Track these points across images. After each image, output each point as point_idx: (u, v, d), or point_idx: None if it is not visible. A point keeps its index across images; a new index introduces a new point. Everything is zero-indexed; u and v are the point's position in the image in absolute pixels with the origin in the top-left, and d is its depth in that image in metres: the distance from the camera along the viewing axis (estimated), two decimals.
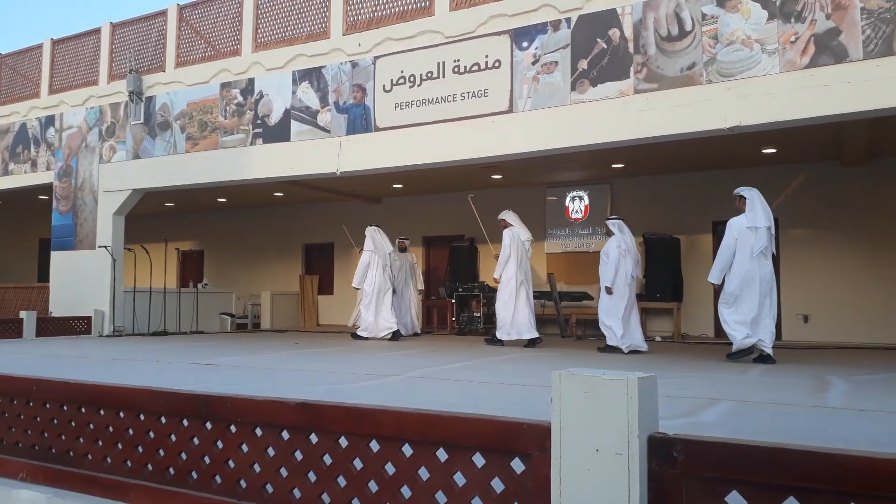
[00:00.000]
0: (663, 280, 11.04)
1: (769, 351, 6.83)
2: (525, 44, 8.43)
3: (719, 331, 11.55)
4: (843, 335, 10.37)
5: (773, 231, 7.07)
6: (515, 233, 9.16)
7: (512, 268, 9.04)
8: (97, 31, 12.62)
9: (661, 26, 7.67)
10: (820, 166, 10.80)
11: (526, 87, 8.38)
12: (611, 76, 7.88)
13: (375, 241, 10.65)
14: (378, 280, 10.44)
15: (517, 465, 1.86)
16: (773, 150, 9.96)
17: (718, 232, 11.71)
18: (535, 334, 8.96)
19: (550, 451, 1.75)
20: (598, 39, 7.99)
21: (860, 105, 6.62)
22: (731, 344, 7.19)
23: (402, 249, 11.82)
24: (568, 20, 8.20)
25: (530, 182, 12.70)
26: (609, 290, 8.10)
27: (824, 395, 4.82)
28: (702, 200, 11.65)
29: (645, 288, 11.27)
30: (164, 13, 11.75)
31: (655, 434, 1.68)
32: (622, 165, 11.18)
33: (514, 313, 8.96)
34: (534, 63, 8.35)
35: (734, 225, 7.06)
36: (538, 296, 11.56)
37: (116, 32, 12.40)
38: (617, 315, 8.04)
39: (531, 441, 1.81)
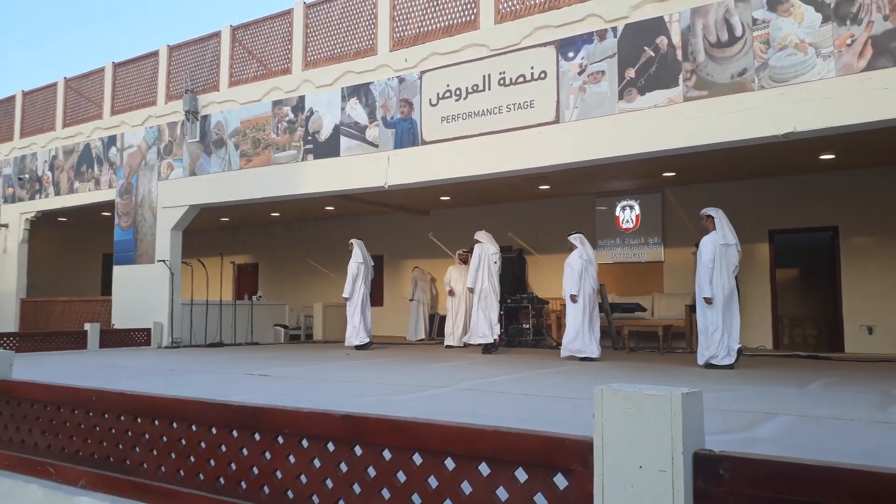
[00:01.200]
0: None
1: (720, 362, 7.49)
2: (571, 54, 8.40)
3: (778, 343, 11.21)
4: None
5: (739, 249, 7.77)
6: (484, 248, 10.25)
7: (484, 279, 10.06)
8: (155, 53, 13.12)
9: (710, 33, 7.54)
10: (881, 171, 10.41)
11: (572, 98, 8.33)
12: (659, 84, 7.78)
13: (363, 254, 11.17)
14: (364, 291, 10.98)
15: (560, 481, 1.84)
16: (832, 156, 9.64)
17: (776, 241, 11.43)
18: (490, 340, 9.75)
19: (593, 467, 1.73)
20: (646, 48, 7.89)
21: None
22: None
23: (464, 261, 11.96)
24: (614, 29, 8.13)
25: (579, 192, 12.60)
26: (574, 299, 8.89)
27: (890, 409, 4.62)
28: (758, 208, 11.34)
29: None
30: (217, 34, 12.14)
31: (701, 451, 1.65)
32: (673, 174, 10.99)
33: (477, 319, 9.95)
34: (580, 73, 8.31)
35: (709, 243, 7.65)
36: None
37: (173, 54, 12.86)
38: (575, 324, 8.80)
39: (574, 457, 1.79)
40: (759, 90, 7.20)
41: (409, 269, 14.50)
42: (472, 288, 10.14)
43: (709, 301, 7.54)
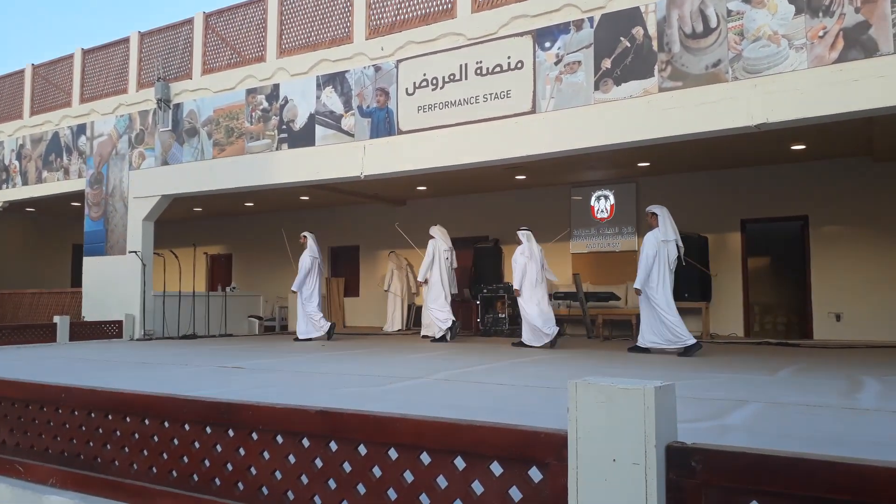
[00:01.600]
0: (691, 279, 10.90)
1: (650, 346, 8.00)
2: (547, 44, 8.39)
3: (749, 330, 11.40)
4: (877, 334, 10.14)
5: (680, 243, 8.10)
6: (437, 244, 10.68)
7: (435, 273, 10.53)
8: (126, 40, 12.86)
9: (685, 23, 7.58)
10: (850, 162, 10.59)
11: (549, 88, 8.34)
12: (635, 75, 7.81)
13: (316, 247, 11.24)
14: (317, 283, 11.09)
15: (534, 474, 1.85)
16: (803, 147, 9.78)
17: (748, 231, 11.59)
18: (442, 333, 10.19)
19: (567, 461, 1.74)
20: (622, 38, 7.92)
21: (891, 99, 6.47)
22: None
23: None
24: (591, 19, 8.14)
25: (555, 182, 12.64)
26: (518, 293, 9.32)
27: (857, 395, 4.72)
28: (730, 198, 11.49)
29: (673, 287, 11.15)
30: (190, 21, 11.93)
31: (674, 443, 1.66)
32: (648, 164, 11.08)
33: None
34: (556, 63, 8.31)
35: (650, 239, 8.00)
36: (564, 296, 11.52)
37: (144, 41, 12.61)
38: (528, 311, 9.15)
39: (548, 450, 1.80)
40: (732, 81, 7.27)
41: (385, 260, 14.44)
42: (422, 282, 10.69)
43: (638, 292, 8.05)
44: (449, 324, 10.19)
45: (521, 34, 8.58)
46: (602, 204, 12.57)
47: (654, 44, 7.73)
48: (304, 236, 11.27)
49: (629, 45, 7.87)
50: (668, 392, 1.70)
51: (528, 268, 9.25)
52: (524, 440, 1.84)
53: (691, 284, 10.87)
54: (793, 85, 6.94)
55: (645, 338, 8.04)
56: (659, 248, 7.94)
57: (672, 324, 7.73)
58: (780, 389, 5.12)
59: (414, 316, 14.40)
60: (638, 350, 8.13)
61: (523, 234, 9.54)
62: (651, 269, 7.90)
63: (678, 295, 10.89)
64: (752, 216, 11.48)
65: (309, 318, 10.86)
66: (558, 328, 9.10)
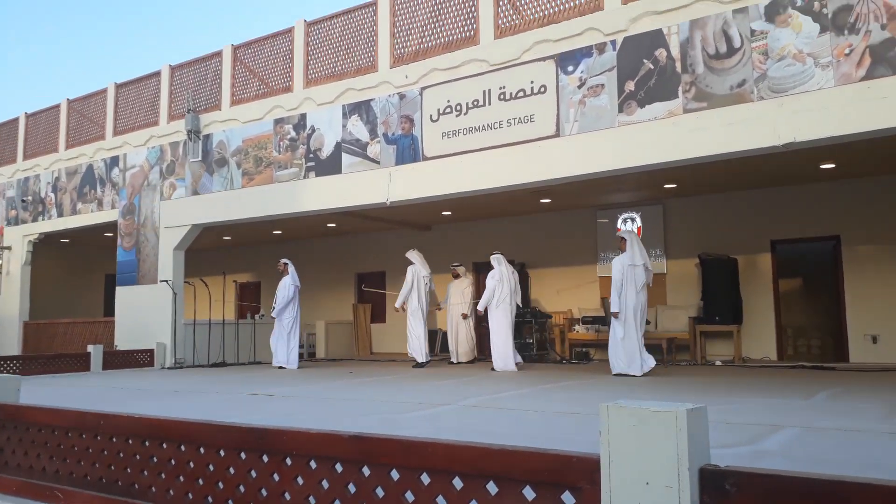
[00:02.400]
0: (721, 302, 10.78)
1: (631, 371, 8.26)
2: (570, 68, 8.46)
3: (783, 353, 11.19)
4: None
5: (649, 267, 8.52)
6: (416, 269, 10.86)
7: (414, 300, 10.85)
8: (157, 73, 13.22)
9: (708, 44, 7.59)
10: (882, 180, 10.43)
11: (572, 111, 8.38)
12: (659, 96, 7.82)
13: (296, 276, 11.43)
14: (299, 311, 11.35)
15: (567, 499, 1.85)
16: (832, 165, 9.67)
17: (778, 251, 11.44)
18: (426, 359, 10.66)
19: (601, 485, 1.74)
20: (645, 60, 7.95)
21: None
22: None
23: (456, 276, 12.07)
24: (613, 42, 8.19)
25: (580, 205, 12.63)
26: (479, 313, 10.17)
27: (894, 419, 4.61)
28: (760, 218, 11.37)
29: (703, 310, 11.03)
30: (219, 54, 12.24)
31: (707, 466, 1.65)
32: (675, 185, 11.03)
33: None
34: (580, 87, 8.36)
35: (618, 263, 8.47)
36: (592, 320, 11.44)
37: (175, 74, 12.96)
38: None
39: (581, 474, 1.80)
40: (758, 101, 7.24)
41: None
42: (399, 307, 10.97)
43: (615, 315, 8.34)
44: (425, 349, 10.73)
45: (544, 59, 8.66)
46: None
47: (678, 65, 7.75)
48: (284, 263, 11.41)
49: (652, 67, 7.90)
50: (700, 414, 1.70)
51: (497, 291, 9.88)
52: (557, 464, 1.84)
53: (723, 307, 10.74)
54: (820, 103, 6.89)
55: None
56: (626, 271, 8.38)
57: (632, 349, 8.22)
58: (816, 414, 5.01)
59: (439, 342, 14.39)
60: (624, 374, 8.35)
61: (494, 259, 10.14)
62: (621, 291, 8.33)
63: (708, 318, 10.83)
64: (783, 237, 11.33)
65: (291, 350, 11.03)
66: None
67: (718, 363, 10.37)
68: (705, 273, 11.01)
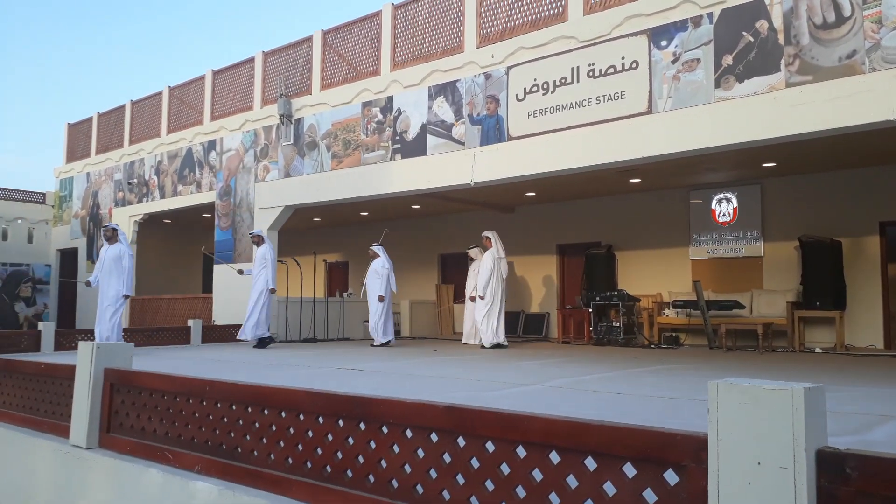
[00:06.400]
0: (823, 287, 10.20)
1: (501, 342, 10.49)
2: (664, 42, 8.16)
3: (890, 342, 10.51)
4: None
5: (505, 261, 10.73)
6: (378, 261, 11.27)
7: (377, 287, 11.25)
8: (251, 60, 13.67)
9: (815, 14, 7.14)
10: None
11: (666, 87, 8.09)
12: (759, 70, 7.44)
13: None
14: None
15: (670, 477, 1.80)
16: None
17: (888, 234, 10.70)
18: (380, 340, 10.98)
19: (707, 463, 1.68)
20: (744, 33, 7.57)
21: None
22: None
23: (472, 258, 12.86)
24: (710, 15, 7.84)
25: (672, 185, 12.23)
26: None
27: None
28: (867, 199, 10.67)
29: (803, 295, 10.49)
30: (309, 39, 12.52)
31: (825, 448, 1.57)
32: (774, 164, 10.49)
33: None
34: (674, 62, 8.06)
35: (490, 256, 10.65)
36: (683, 304, 11.10)
37: (268, 60, 13.36)
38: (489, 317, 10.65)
39: (686, 452, 1.74)
40: (870, 73, 6.76)
41: None
42: (481, 296, 10.94)
43: (481, 297, 10.47)
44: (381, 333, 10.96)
45: (636, 34, 8.39)
46: (724, 207, 12.00)
47: (780, 37, 7.33)
48: (261, 236, 11.08)
49: (752, 39, 7.51)
50: (817, 394, 1.61)
51: (496, 272, 10.68)
52: (660, 441, 1.79)
53: (824, 292, 10.17)
54: None
55: (488, 336, 10.47)
56: (495, 263, 10.53)
57: (493, 326, 10.35)
58: None
59: (523, 322, 14.33)
60: (497, 346, 10.29)
61: (492, 235, 10.86)
62: (490, 281, 10.45)
63: (809, 303, 10.29)
64: (893, 218, 10.59)
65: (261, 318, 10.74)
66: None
67: (818, 350, 9.86)
68: (806, 256, 10.45)
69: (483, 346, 10.48)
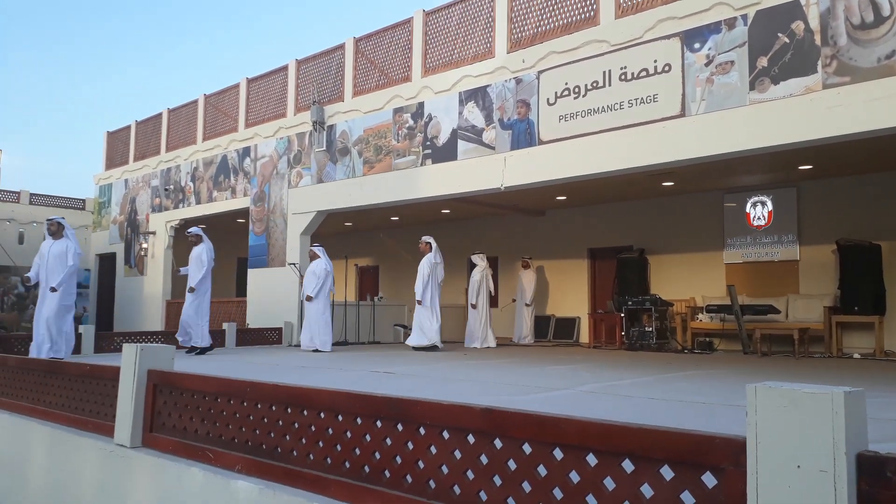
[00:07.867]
0: (862, 291, 10.01)
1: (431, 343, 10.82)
2: (697, 45, 8.10)
3: None
4: None
5: (442, 266, 11.24)
6: (319, 263, 11.20)
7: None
8: (284, 68, 13.87)
9: (853, 14, 7.03)
10: None
11: (699, 90, 8.03)
12: (795, 72, 7.34)
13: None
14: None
15: (708, 480, 1.81)
16: None
17: None
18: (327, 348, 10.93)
19: (746, 467, 1.69)
20: (780, 34, 7.48)
21: None
22: None
23: (525, 266, 13.78)
24: (744, 17, 7.76)
25: (705, 188, 12.10)
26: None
27: None
28: None
29: (840, 300, 10.29)
30: (341, 46, 12.67)
31: (865, 452, 1.57)
32: (810, 167, 10.32)
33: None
34: (707, 64, 8.00)
35: (427, 261, 11.05)
36: (717, 309, 10.97)
37: (301, 68, 13.55)
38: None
39: (725, 455, 1.75)
40: None
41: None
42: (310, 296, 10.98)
43: (419, 302, 10.80)
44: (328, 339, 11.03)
45: (668, 37, 8.34)
46: (759, 210, 11.84)
47: (817, 38, 7.23)
48: (427, 243, 11.37)
49: (788, 41, 7.42)
50: (857, 398, 1.61)
51: (432, 277, 11.04)
52: (698, 444, 1.80)
53: (863, 297, 9.98)
54: None
55: (414, 338, 10.84)
56: (433, 269, 10.96)
57: (436, 328, 10.76)
58: None
59: (554, 327, 14.28)
60: (425, 349, 10.65)
61: (430, 240, 11.38)
62: (427, 285, 10.83)
63: (847, 308, 10.09)
64: None
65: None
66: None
67: (857, 356, 9.66)
68: (843, 260, 10.26)
69: (415, 348, 10.85)
